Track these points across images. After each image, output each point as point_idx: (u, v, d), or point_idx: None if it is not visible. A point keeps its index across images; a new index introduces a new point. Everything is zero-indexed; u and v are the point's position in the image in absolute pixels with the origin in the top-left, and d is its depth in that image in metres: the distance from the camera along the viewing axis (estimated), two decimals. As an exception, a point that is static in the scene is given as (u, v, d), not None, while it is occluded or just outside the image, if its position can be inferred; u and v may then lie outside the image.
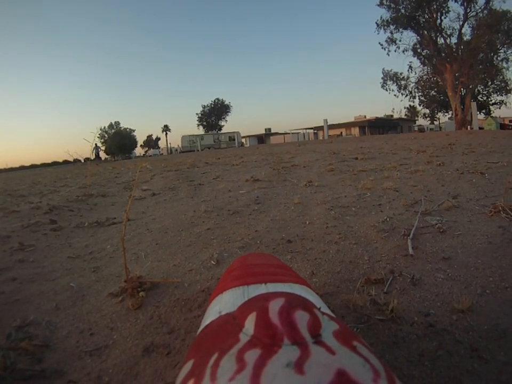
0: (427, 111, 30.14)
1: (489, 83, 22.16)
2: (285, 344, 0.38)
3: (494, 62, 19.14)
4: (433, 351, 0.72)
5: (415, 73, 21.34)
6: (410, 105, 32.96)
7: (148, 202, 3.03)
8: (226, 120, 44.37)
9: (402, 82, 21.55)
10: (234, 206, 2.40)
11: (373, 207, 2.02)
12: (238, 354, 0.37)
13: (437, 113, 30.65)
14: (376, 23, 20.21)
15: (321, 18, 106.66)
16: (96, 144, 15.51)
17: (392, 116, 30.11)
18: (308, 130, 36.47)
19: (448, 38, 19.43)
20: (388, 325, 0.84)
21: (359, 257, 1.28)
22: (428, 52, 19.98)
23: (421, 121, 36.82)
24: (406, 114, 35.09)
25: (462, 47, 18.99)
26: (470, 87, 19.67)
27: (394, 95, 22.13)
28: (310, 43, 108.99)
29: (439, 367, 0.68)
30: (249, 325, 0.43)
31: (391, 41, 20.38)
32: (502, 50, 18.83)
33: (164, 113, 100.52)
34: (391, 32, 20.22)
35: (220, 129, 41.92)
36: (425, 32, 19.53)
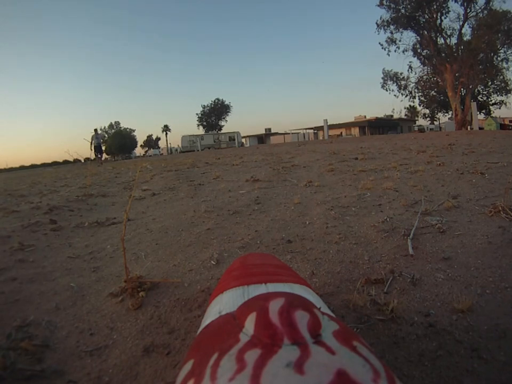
0: (427, 111, 30.20)
1: (489, 83, 22.15)
2: (285, 344, 0.37)
3: (494, 62, 19.13)
4: (433, 351, 0.72)
5: (415, 73, 21.39)
6: (410, 105, 33.07)
7: (147, 202, 3.03)
8: (226, 120, 44.50)
9: (402, 82, 21.58)
10: (234, 206, 2.40)
11: (373, 207, 2.02)
12: (238, 354, 0.37)
13: (437, 114, 30.69)
14: (376, 23, 20.25)
15: (321, 18, 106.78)
16: (95, 130, 11.22)
17: (392, 116, 30.09)
18: (308, 131, 36.47)
19: (448, 38, 19.46)
20: (388, 325, 0.84)
21: (359, 257, 1.28)
22: (428, 52, 19.98)
23: (421, 121, 36.90)
24: (406, 115, 35.11)
25: (462, 47, 18.99)
26: (470, 87, 19.66)
27: (394, 95, 22.20)
28: (310, 43, 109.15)
29: (439, 367, 0.68)
30: (249, 325, 0.43)
31: (391, 41, 20.41)
32: (502, 51, 18.84)
33: (164, 113, 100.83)
34: (391, 32, 20.26)
35: (220, 129, 41.94)
36: (425, 32, 19.53)
